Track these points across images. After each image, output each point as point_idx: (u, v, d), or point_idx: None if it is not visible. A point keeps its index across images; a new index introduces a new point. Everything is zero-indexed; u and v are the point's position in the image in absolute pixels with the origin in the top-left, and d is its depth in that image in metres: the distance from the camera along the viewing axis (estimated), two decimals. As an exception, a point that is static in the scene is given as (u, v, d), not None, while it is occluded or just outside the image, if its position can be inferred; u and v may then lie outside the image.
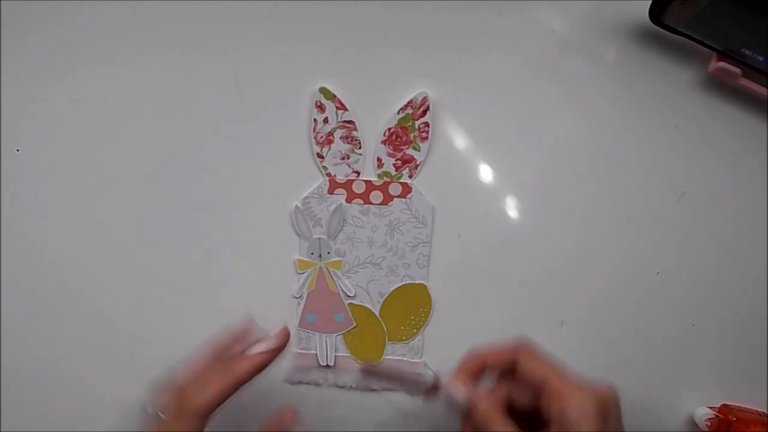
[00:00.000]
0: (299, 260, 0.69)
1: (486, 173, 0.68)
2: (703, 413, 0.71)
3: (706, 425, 0.70)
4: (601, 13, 0.67)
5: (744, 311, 0.71)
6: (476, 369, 0.62)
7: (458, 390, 0.60)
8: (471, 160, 0.68)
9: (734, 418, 0.69)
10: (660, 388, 0.73)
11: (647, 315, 0.71)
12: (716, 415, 0.70)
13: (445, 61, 0.67)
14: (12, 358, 0.70)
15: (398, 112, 0.67)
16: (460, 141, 0.68)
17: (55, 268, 0.69)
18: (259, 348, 0.62)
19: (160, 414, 0.60)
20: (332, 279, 0.69)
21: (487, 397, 0.60)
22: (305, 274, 0.69)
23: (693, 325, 0.71)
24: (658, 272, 0.70)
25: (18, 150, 0.68)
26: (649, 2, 0.62)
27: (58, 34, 0.66)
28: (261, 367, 0.61)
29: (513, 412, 0.60)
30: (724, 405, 0.72)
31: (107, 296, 0.69)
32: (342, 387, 0.71)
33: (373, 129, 0.67)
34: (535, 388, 0.58)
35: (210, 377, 0.60)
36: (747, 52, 0.62)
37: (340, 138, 0.67)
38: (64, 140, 0.68)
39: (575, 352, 0.71)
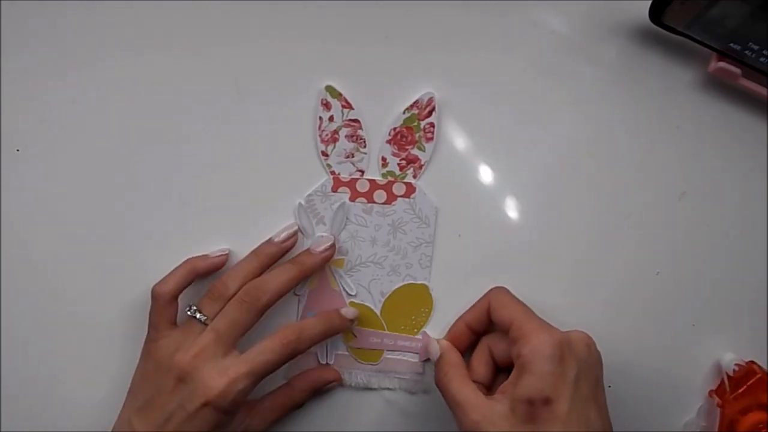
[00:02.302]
0: (300, 258, 0.68)
1: (490, 175, 0.69)
2: (731, 358, 0.71)
3: (734, 369, 0.69)
4: (601, 13, 0.68)
5: (745, 312, 0.72)
6: (462, 332, 0.65)
7: (431, 346, 0.64)
8: (475, 161, 0.68)
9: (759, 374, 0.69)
10: (659, 389, 0.73)
11: (647, 315, 0.71)
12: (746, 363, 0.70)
13: (449, 61, 0.67)
14: (12, 357, 0.70)
15: (404, 112, 0.67)
16: (465, 142, 0.68)
17: (55, 268, 0.69)
18: (321, 246, 0.65)
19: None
20: (334, 277, 0.69)
21: (451, 352, 0.62)
22: (307, 272, 0.69)
23: (693, 326, 0.71)
24: (658, 272, 0.70)
25: (18, 150, 0.67)
26: (649, 2, 0.62)
27: (58, 34, 0.66)
28: (323, 265, 0.67)
29: (500, 365, 0.62)
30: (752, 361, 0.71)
31: (107, 295, 0.69)
32: (341, 385, 0.71)
33: (378, 128, 0.67)
34: (506, 333, 0.59)
35: (271, 273, 0.64)
36: (747, 52, 0.62)
37: (345, 136, 0.67)
38: (64, 140, 0.67)
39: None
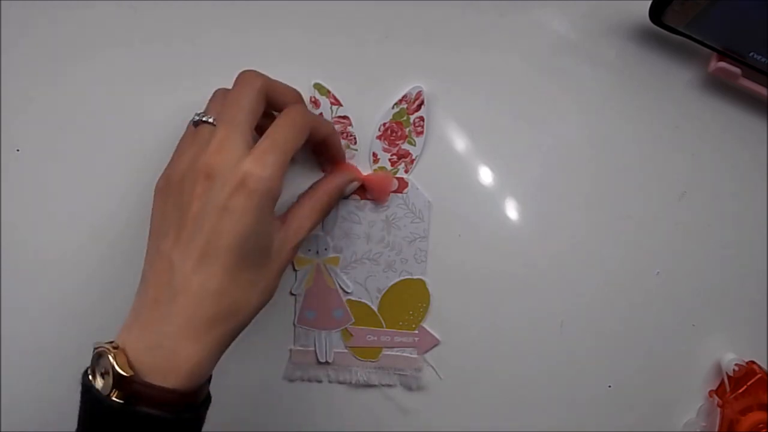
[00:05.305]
0: (296, 257, 0.69)
1: (483, 168, 0.69)
2: (731, 358, 0.71)
3: (734, 369, 0.69)
4: (601, 13, 0.67)
5: (745, 312, 0.71)
6: None
7: None
8: (468, 155, 0.69)
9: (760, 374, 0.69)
10: (659, 389, 0.73)
11: (647, 315, 0.71)
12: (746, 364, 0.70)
13: (442, 57, 0.67)
14: (12, 357, 0.70)
15: (393, 107, 0.67)
16: (456, 136, 0.68)
17: (55, 268, 0.69)
18: None
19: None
20: (330, 275, 0.70)
21: None
22: (302, 271, 0.69)
23: (693, 326, 0.71)
24: (658, 272, 0.70)
25: (18, 150, 0.68)
26: (649, 2, 0.62)
27: (58, 33, 0.66)
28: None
29: None
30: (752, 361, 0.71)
31: (106, 295, 0.69)
32: (341, 383, 0.71)
33: (368, 124, 0.67)
34: None
35: None
36: (747, 52, 0.62)
37: (336, 134, 0.67)
38: (64, 140, 0.68)
39: (575, 352, 0.71)
